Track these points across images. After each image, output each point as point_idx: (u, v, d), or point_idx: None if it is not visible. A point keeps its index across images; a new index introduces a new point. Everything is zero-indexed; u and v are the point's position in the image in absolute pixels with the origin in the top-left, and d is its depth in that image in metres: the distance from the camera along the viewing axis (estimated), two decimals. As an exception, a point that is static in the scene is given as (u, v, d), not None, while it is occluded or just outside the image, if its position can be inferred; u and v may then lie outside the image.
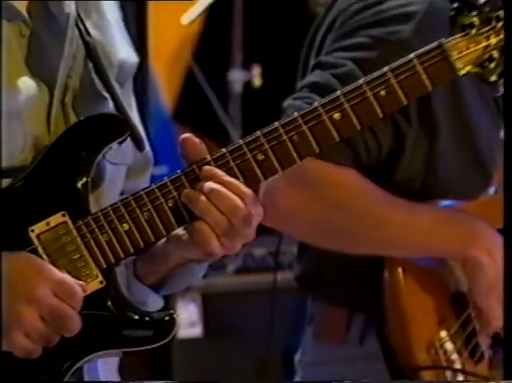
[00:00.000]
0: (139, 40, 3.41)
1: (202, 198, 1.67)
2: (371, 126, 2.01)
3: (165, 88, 4.77)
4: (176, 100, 4.88)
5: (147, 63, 3.59)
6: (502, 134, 2.35)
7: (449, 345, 2.30)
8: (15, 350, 1.63)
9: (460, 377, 2.31)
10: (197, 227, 1.67)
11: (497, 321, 2.31)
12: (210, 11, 4.43)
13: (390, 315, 2.29)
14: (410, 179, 2.33)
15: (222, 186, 1.67)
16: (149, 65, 3.75)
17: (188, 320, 3.58)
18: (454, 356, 2.31)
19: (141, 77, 3.57)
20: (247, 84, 4.50)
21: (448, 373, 2.29)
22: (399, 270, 2.28)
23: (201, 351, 3.63)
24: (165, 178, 1.69)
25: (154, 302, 1.77)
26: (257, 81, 4.51)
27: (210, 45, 4.80)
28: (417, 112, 2.27)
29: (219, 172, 1.68)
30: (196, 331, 3.61)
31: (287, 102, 2.28)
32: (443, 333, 2.31)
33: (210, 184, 1.67)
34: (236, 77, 4.48)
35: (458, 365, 2.30)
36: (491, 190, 2.43)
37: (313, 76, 2.30)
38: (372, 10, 2.32)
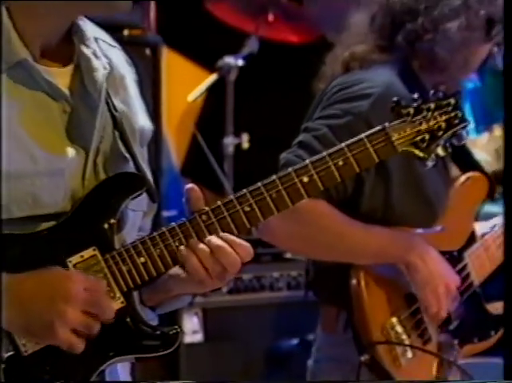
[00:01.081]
0: (155, 112, 3.41)
1: (207, 251, 1.65)
2: None
3: (175, 150, 4.72)
4: (183, 158, 4.84)
5: (161, 130, 3.57)
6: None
7: (399, 328, 2.34)
8: (62, 345, 1.59)
9: (409, 352, 2.32)
10: (196, 272, 1.65)
11: (432, 308, 2.36)
12: (208, 92, 4.49)
13: (355, 307, 2.34)
14: (372, 211, 2.37)
15: (225, 242, 1.66)
16: (162, 131, 3.73)
17: (192, 329, 3.54)
18: (404, 336, 2.35)
19: (156, 141, 3.47)
20: (238, 148, 4.45)
21: (399, 350, 2.32)
22: (361, 274, 2.35)
23: (202, 354, 3.59)
24: (173, 223, 1.67)
25: (151, 319, 1.73)
26: (245, 145, 4.47)
27: (209, 117, 4.78)
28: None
29: (227, 236, 1.66)
30: (198, 338, 3.57)
31: (282, 155, 2.34)
32: (394, 320, 2.34)
33: (215, 241, 1.66)
34: (229, 142, 4.42)
35: (407, 342, 2.34)
36: (438, 228, 2.44)
37: (301, 137, 2.35)
38: (344, 91, 2.38)
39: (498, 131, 3.80)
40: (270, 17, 4.38)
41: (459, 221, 2.47)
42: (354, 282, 2.35)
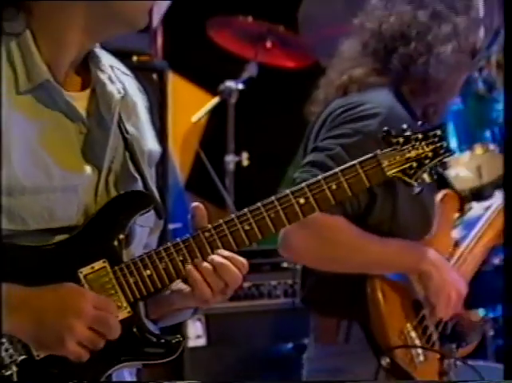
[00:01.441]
0: (162, 132, 3.39)
1: (210, 268, 1.64)
2: None
3: (180, 166, 4.69)
4: (187, 175, 4.83)
5: (167, 148, 3.54)
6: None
7: (413, 334, 2.35)
8: (70, 356, 1.59)
9: (421, 356, 2.33)
10: (200, 289, 1.65)
11: (442, 313, 2.37)
12: (211, 113, 4.53)
13: (372, 315, 2.34)
14: (379, 224, 2.36)
15: (226, 259, 1.66)
16: (168, 149, 3.70)
17: (195, 333, 3.53)
18: (417, 341, 2.35)
19: (162, 158, 3.51)
20: (238, 165, 4.45)
21: (413, 351, 2.32)
22: (377, 284, 2.35)
23: (205, 357, 3.58)
24: (178, 239, 1.67)
25: (154, 330, 1.71)
26: (245, 163, 4.46)
27: (212, 136, 4.78)
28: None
29: (228, 253, 1.66)
30: (201, 342, 3.57)
31: (296, 174, 2.32)
32: (409, 326, 2.35)
33: (218, 259, 1.66)
34: (230, 160, 4.42)
35: (419, 344, 2.35)
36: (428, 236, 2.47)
37: (312, 157, 2.32)
38: (349, 112, 2.37)
39: (479, 150, 3.80)
40: (268, 45, 4.40)
41: (445, 231, 2.49)
42: (370, 290, 2.35)
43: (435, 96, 2.48)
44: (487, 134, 3.88)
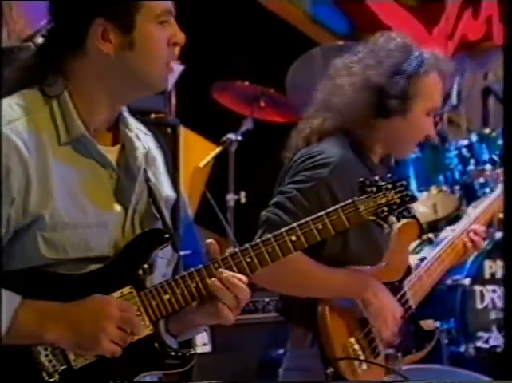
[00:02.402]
0: (175, 175, 3.15)
1: (225, 289, 1.64)
2: None
3: (190, 203, 4.52)
4: (196, 210, 4.76)
5: (179, 188, 3.31)
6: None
7: (356, 346, 2.27)
8: (106, 353, 1.58)
9: (364, 365, 2.26)
10: (220, 308, 1.65)
11: (384, 333, 2.29)
12: (215, 160, 4.51)
13: (321, 330, 2.28)
14: (331, 255, 2.29)
15: (240, 281, 1.66)
16: (180, 189, 3.51)
17: (202, 342, 3.45)
18: (360, 352, 2.28)
19: (175, 197, 3.53)
20: (237, 202, 4.42)
21: (356, 363, 2.26)
22: (327, 303, 2.28)
23: (210, 361, 3.48)
24: (192, 269, 1.67)
25: (172, 343, 1.71)
26: (243, 200, 4.43)
27: (215, 178, 4.75)
28: None
29: (232, 274, 1.66)
30: (207, 348, 3.50)
31: (263, 213, 2.27)
32: (352, 340, 2.28)
33: (233, 280, 1.66)
34: (230, 198, 4.39)
35: (362, 357, 2.28)
36: (383, 264, 2.38)
37: (276, 199, 2.28)
38: (307, 161, 2.31)
39: (434, 190, 3.82)
40: (262, 104, 4.41)
41: (399, 257, 2.40)
42: (320, 309, 2.29)
43: (386, 146, 2.37)
44: (441, 178, 3.90)
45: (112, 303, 1.60)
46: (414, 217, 2.34)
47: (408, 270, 2.39)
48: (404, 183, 1.80)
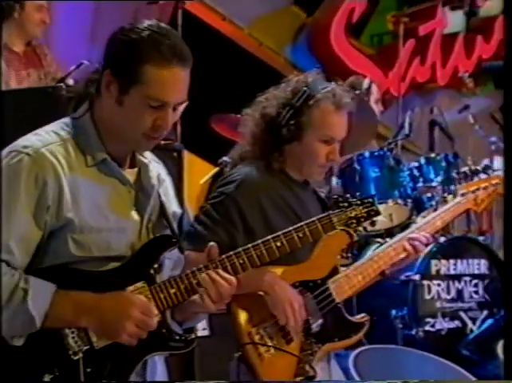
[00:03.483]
0: (180, 192, 3.13)
1: (211, 283, 1.64)
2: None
3: (192, 215, 4.51)
4: None
5: (183, 203, 3.23)
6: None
7: (263, 334, 2.09)
8: (123, 342, 1.58)
9: (272, 350, 2.07)
10: (204, 299, 1.65)
11: (282, 321, 2.08)
12: (212, 178, 4.40)
13: (231, 320, 2.10)
14: None
15: (224, 280, 1.65)
16: (184, 204, 3.45)
17: (202, 327, 3.28)
18: (267, 338, 2.08)
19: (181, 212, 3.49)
20: None
21: (263, 348, 2.07)
22: (234, 301, 1.94)
23: (209, 343, 3.28)
24: (194, 268, 1.68)
25: (178, 329, 1.70)
26: None
27: None
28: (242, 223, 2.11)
29: (224, 274, 1.65)
30: (206, 332, 3.33)
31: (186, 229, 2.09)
32: (256, 329, 2.08)
33: (217, 278, 1.65)
34: None
35: (270, 343, 2.08)
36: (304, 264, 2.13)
37: (197, 214, 2.23)
38: (221, 180, 2.22)
39: (390, 203, 3.84)
40: (251, 133, 4.41)
41: (323, 260, 2.16)
42: (231, 304, 2.06)
43: (294, 167, 2.20)
44: (396, 193, 3.92)
45: (135, 305, 1.59)
46: (345, 229, 2.14)
47: (334, 271, 2.19)
48: (371, 200, 1.82)
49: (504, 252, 2.01)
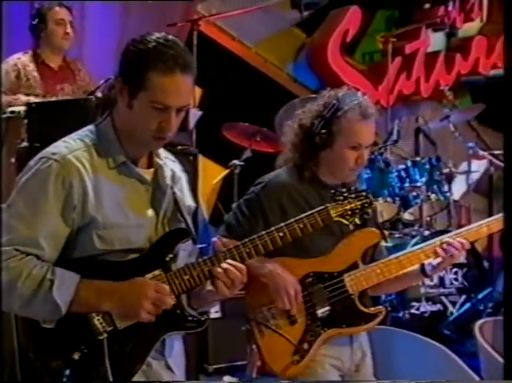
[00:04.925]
0: (195, 191, 3.17)
1: (223, 272, 1.61)
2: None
3: (206, 210, 4.58)
4: (210, 215, 4.69)
5: (198, 199, 3.44)
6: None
7: (266, 313, 2.05)
8: (143, 320, 1.56)
9: (273, 326, 2.02)
10: (218, 285, 1.62)
11: (279, 304, 2.02)
12: (224, 179, 4.48)
13: (245, 297, 2.07)
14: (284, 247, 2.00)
15: (234, 268, 1.62)
16: (199, 200, 3.65)
17: (214, 309, 3.33)
18: (269, 317, 2.04)
19: (195, 206, 3.45)
20: None
21: (264, 326, 2.02)
22: (249, 282, 1.76)
23: (220, 324, 3.37)
24: (205, 256, 1.65)
25: (192, 312, 1.68)
26: None
27: (224, 193, 4.67)
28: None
29: (234, 263, 1.62)
30: (218, 315, 3.38)
31: (226, 216, 2.13)
32: (263, 308, 2.05)
33: (229, 267, 1.62)
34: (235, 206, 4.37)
35: (272, 322, 2.04)
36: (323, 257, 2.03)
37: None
38: (256, 182, 2.17)
39: (380, 201, 3.82)
40: (258, 139, 4.35)
41: (344, 255, 2.10)
42: (246, 285, 1.84)
43: (328, 172, 2.13)
44: (385, 192, 3.90)
45: (150, 286, 1.58)
46: (379, 228, 2.13)
47: (353, 265, 2.11)
48: (364, 193, 1.77)
49: (504, 252, 1.87)
